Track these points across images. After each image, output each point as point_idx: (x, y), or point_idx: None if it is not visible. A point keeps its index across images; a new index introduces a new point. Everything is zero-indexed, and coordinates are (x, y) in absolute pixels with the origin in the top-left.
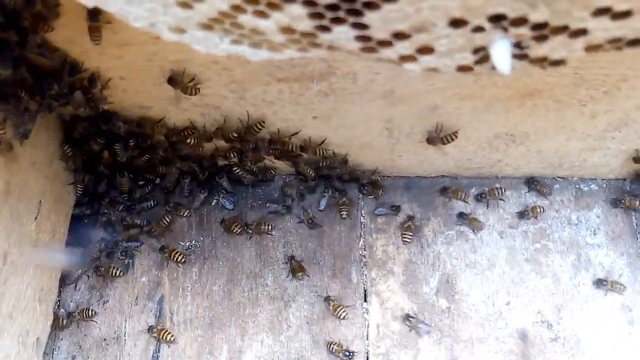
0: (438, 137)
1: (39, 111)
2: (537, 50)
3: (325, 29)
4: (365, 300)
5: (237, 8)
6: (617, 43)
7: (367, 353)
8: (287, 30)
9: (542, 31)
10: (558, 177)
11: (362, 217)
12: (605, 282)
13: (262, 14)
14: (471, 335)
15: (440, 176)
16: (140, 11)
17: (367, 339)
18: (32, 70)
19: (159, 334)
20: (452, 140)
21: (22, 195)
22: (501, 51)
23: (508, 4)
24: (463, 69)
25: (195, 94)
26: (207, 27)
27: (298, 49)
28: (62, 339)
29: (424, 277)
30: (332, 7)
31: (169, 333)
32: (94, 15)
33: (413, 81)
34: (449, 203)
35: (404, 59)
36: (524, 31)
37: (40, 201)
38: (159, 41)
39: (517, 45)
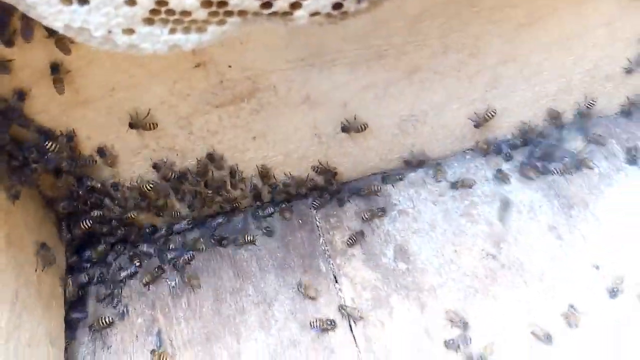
0: (351, 126)
1: (24, 174)
2: None
3: None
4: (337, 282)
5: None
6: None
7: (350, 321)
8: (206, 3)
9: None
10: (466, 150)
11: (317, 222)
12: (529, 212)
13: None
14: (432, 284)
15: (372, 174)
16: (98, 18)
17: (364, 318)
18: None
19: (158, 357)
20: (364, 128)
21: (22, 247)
22: None
23: None
24: (336, 6)
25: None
26: (149, 21)
27: (218, 22)
28: None
29: (381, 251)
30: None
31: (167, 354)
32: (55, 68)
33: (320, 81)
34: (385, 191)
35: (293, 6)
36: None
37: (37, 258)
38: (113, 93)
39: None
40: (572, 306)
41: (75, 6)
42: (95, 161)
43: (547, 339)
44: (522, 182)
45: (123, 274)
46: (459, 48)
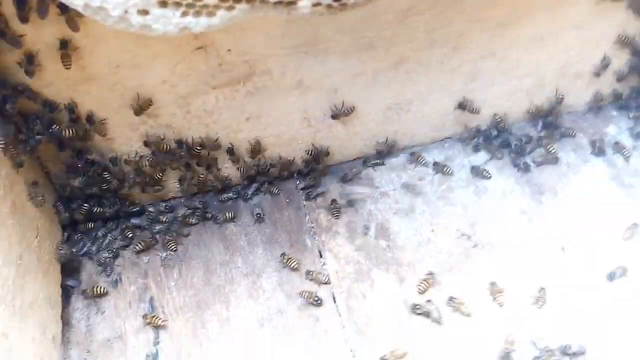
0: (340, 112)
1: (29, 143)
2: None
3: None
4: (321, 257)
5: None
6: None
7: (333, 293)
8: None
9: None
10: (445, 138)
11: (303, 202)
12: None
13: None
14: (410, 260)
15: (356, 158)
16: None
17: (330, 283)
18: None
19: (150, 320)
20: (351, 111)
21: (24, 214)
22: None
23: None
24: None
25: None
26: (163, 3)
27: (227, 7)
28: (71, 349)
29: (363, 229)
30: None
31: (159, 318)
32: (64, 43)
33: (313, 67)
34: (369, 175)
35: None
36: None
37: (37, 225)
38: (118, 70)
39: None
40: (542, 288)
41: None
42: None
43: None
44: (496, 168)
45: (116, 244)
46: (444, 42)
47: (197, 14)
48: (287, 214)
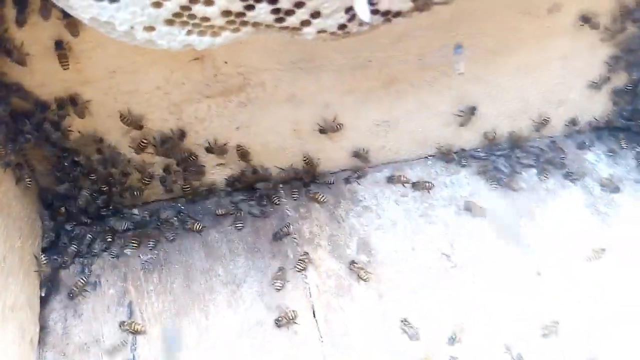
0: (329, 127)
1: (18, 144)
2: (382, 4)
3: (250, 7)
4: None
5: (193, 0)
6: None
7: (313, 306)
8: (226, 12)
9: None
10: (428, 156)
11: (287, 211)
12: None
13: (209, 2)
14: (390, 277)
15: (341, 170)
16: (125, 15)
17: (310, 296)
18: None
19: (129, 326)
20: (339, 128)
21: (10, 214)
22: (361, 6)
23: None
24: (341, 27)
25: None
26: (170, 22)
27: (232, 29)
28: (47, 351)
29: (345, 243)
30: None
31: (137, 324)
32: (59, 44)
33: (307, 83)
34: (352, 188)
35: (303, 23)
36: None
37: (21, 225)
38: (114, 75)
39: (370, 2)
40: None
41: (105, 3)
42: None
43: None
44: (478, 189)
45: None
46: (434, 65)
47: (202, 33)
48: (270, 223)
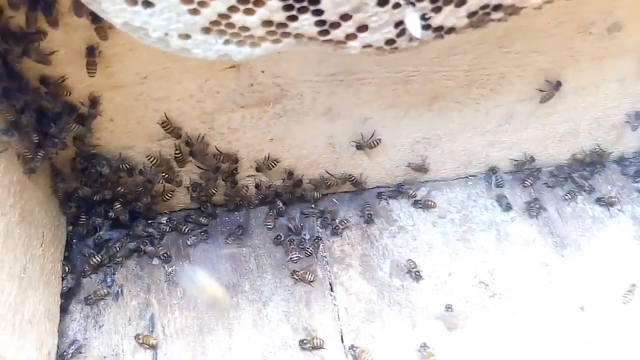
0: (365, 143)
1: (44, 150)
2: (436, 19)
3: (293, 18)
4: (332, 290)
5: (232, 8)
6: (485, 10)
7: (341, 331)
8: (267, 23)
9: (437, 3)
10: (469, 176)
11: (317, 228)
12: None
13: (249, 11)
14: (425, 304)
15: (375, 187)
16: (159, 21)
17: (339, 320)
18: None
19: (143, 339)
20: (377, 144)
21: (32, 221)
22: (413, 21)
23: None
24: (389, 42)
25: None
26: (206, 30)
27: (273, 40)
28: None
29: (377, 265)
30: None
31: (151, 337)
32: (91, 51)
33: (346, 96)
34: (387, 206)
35: (348, 37)
36: (426, 4)
37: (43, 232)
38: (145, 81)
39: (423, 17)
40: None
41: (139, 7)
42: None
43: None
44: (519, 214)
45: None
46: (482, 83)
47: (241, 43)
48: (300, 239)
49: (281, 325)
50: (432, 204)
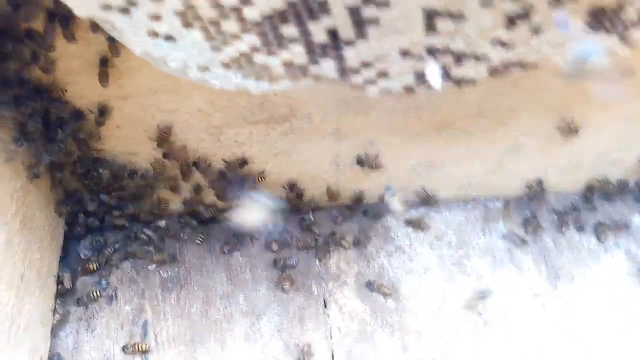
0: (367, 162)
1: (49, 155)
2: (457, 72)
3: (315, 62)
4: (325, 307)
5: (255, 49)
6: (507, 66)
7: (332, 351)
8: (289, 64)
9: (459, 58)
10: (469, 200)
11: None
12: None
13: (272, 53)
14: (418, 327)
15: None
16: (180, 54)
17: (331, 338)
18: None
19: (134, 347)
20: (378, 167)
21: (33, 227)
22: (434, 72)
23: (438, 38)
24: (408, 89)
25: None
26: (227, 65)
27: (292, 79)
28: None
29: (372, 285)
30: (323, 45)
31: (142, 344)
32: (105, 62)
33: (355, 119)
34: (385, 224)
35: (368, 82)
36: (449, 58)
37: (42, 235)
38: (155, 94)
39: (444, 68)
40: None
41: (160, 40)
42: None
43: None
44: (516, 241)
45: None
46: (492, 115)
47: (260, 78)
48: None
49: (274, 340)
50: (425, 225)
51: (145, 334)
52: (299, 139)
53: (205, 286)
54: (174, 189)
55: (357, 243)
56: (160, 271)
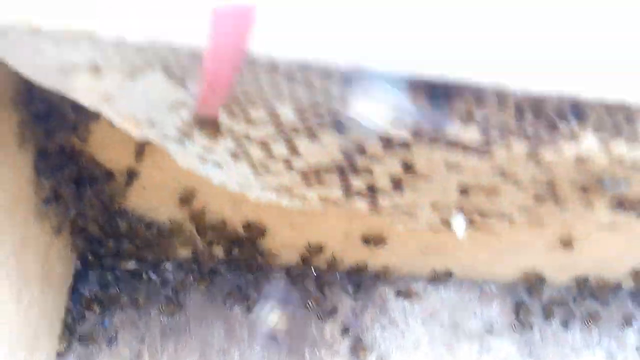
0: (372, 240)
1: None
2: (481, 223)
3: (350, 199)
4: None
5: (296, 185)
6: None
7: None
8: (323, 198)
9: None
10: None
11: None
12: None
13: (311, 188)
14: None
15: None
16: (223, 177)
17: None
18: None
19: None
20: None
21: (51, 281)
22: (459, 223)
23: (469, 202)
24: (432, 228)
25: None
26: (266, 189)
27: (322, 204)
28: None
29: (364, 356)
30: (359, 191)
31: None
32: (142, 148)
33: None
34: (383, 295)
35: (396, 221)
36: (476, 216)
37: (55, 281)
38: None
39: (469, 220)
40: None
41: (208, 165)
42: None
43: None
44: (505, 328)
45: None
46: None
47: (293, 199)
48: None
49: None
50: (415, 294)
51: None
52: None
53: (202, 338)
54: (188, 243)
55: None
56: (162, 317)
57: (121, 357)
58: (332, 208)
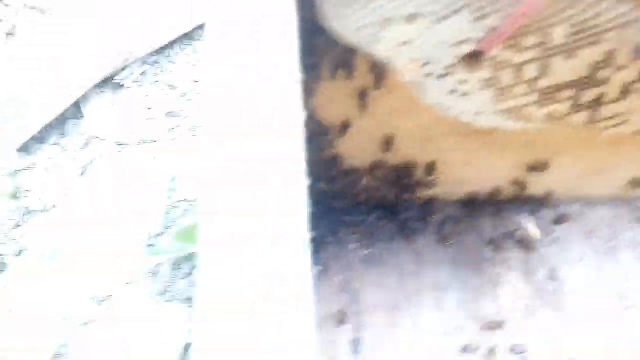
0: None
1: None
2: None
3: (572, 115)
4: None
5: (532, 103)
6: None
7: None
8: (548, 115)
9: None
10: None
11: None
12: None
13: (542, 107)
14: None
15: None
16: (464, 106)
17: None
18: None
19: None
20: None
21: None
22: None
23: None
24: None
25: None
26: (498, 113)
27: (544, 122)
28: None
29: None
30: (586, 104)
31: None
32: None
33: None
34: (547, 217)
35: None
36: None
37: None
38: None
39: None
40: None
41: (455, 96)
42: None
43: None
44: None
45: None
46: None
47: (519, 120)
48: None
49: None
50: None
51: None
52: None
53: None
54: None
55: None
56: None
57: (333, 284)
58: (549, 126)
